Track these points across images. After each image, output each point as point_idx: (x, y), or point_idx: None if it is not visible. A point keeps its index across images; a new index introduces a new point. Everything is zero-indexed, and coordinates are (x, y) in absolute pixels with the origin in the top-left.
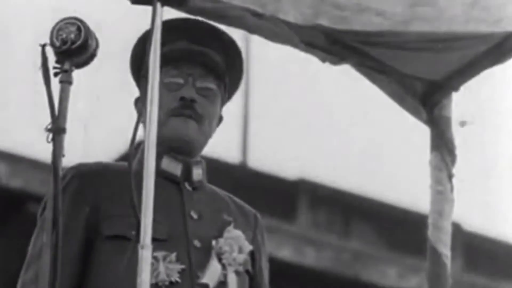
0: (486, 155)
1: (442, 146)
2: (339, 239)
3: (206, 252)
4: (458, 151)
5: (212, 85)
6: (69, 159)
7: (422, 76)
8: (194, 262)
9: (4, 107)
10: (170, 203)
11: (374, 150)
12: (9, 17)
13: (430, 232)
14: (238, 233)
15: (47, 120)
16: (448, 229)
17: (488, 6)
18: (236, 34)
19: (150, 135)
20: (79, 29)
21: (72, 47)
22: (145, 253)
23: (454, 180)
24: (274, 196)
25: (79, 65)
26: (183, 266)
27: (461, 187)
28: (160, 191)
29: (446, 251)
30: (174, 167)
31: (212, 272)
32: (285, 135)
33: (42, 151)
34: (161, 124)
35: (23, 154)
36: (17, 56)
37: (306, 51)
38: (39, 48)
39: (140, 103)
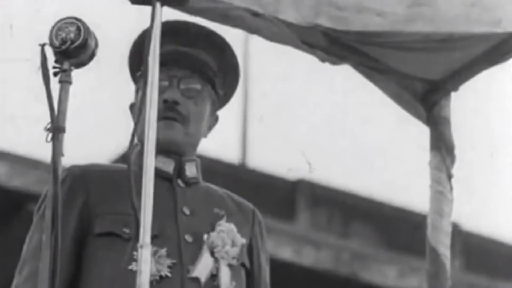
0: (486, 155)
1: (442, 146)
2: (338, 239)
3: (198, 247)
4: (457, 151)
5: (197, 86)
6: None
7: (421, 76)
8: (186, 256)
9: (4, 107)
10: (162, 200)
11: (373, 150)
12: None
13: (429, 232)
14: (230, 226)
15: (47, 119)
16: (448, 229)
17: (488, 6)
18: (236, 34)
19: (150, 135)
20: (78, 28)
21: (72, 47)
22: (145, 253)
23: (453, 180)
24: (274, 196)
25: (79, 65)
26: (173, 261)
27: (461, 187)
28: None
29: (445, 251)
30: (166, 165)
31: (203, 266)
32: (285, 135)
33: (42, 151)
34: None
35: (23, 154)
36: (17, 56)
37: (306, 51)
38: (39, 48)
39: (136, 108)
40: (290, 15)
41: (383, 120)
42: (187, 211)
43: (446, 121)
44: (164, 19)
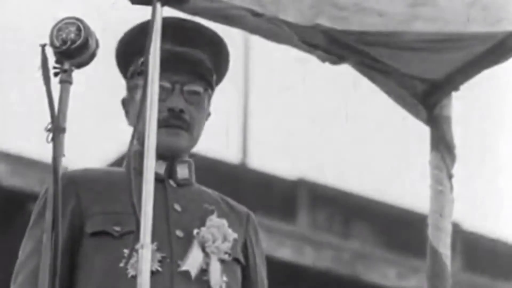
0: (486, 155)
1: (442, 146)
2: (338, 239)
3: (188, 242)
4: (458, 151)
5: (199, 88)
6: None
7: (422, 76)
8: (176, 251)
9: (4, 107)
10: (154, 198)
11: (374, 150)
12: (9, 17)
13: (430, 232)
14: (221, 221)
15: (47, 120)
16: (448, 229)
17: (488, 6)
18: (236, 34)
19: (150, 135)
20: (79, 29)
21: (72, 47)
22: (145, 253)
23: (453, 179)
24: (274, 196)
25: (79, 65)
26: (163, 255)
27: (461, 186)
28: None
29: (446, 251)
30: (158, 166)
31: (193, 260)
32: (285, 135)
33: (42, 151)
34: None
35: (23, 154)
36: (17, 56)
37: (306, 51)
38: (39, 48)
39: (126, 104)
40: (290, 15)
41: (384, 120)
42: (178, 208)
43: (446, 121)
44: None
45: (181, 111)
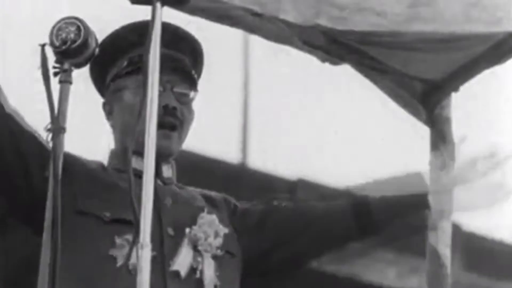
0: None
1: (442, 146)
2: None
3: (179, 240)
4: (457, 151)
5: (187, 91)
6: None
7: (422, 76)
8: (167, 250)
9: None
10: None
11: (373, 150)
12: (9, 17)
13: (429, 232)
14: (212, 217)
15: (47, 119)
16: (448, 229)
17: (488, 6)
18: (236, 34)
19: (150, 135)
20: (78, 28)
21: (72, 47)
22: (145, 252)
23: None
24: (274, 196)
25: (79, 65)
26: (154, 253)
27: (461, 186)
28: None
29: (445, 251)
30: (141, 165)
31: (182, 260)
32: (285, 135)
33: None
34: (141, 132)
35: None
36: (17, 56)
37: (306, 51)
38: (39, 48)
39: (108, 106)
40: (290, 15)
41: (384, 120)
42: (169, 202)
43: (446, 121)
44: (164, 19)
45: (175, 108)
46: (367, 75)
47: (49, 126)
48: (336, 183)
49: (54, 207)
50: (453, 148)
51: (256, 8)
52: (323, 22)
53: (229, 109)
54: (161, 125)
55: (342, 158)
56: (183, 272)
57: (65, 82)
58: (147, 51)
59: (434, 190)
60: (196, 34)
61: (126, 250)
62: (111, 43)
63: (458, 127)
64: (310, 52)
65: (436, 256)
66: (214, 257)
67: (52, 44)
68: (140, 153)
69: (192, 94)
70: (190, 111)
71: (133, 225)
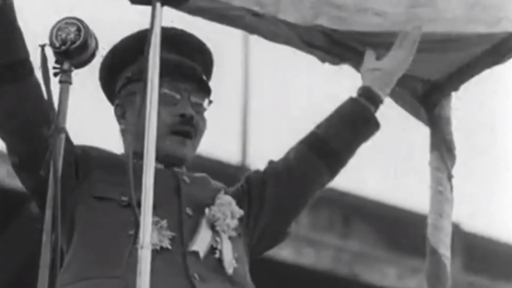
0: (486, 155)
1: (442, 146)
2: (338, 239)
3: (197, 220)
4: (458, 151)
5: (201, 100)
6: None
7: (422, 76)
8: (185, 230)
9: None
10: (163, 175)
11: (373, 149)
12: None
13: (429, 232)
14: (229, 198)
15: None
16: (448, 229)
17: (487, 6)
18: (236, 34)
19: (150, 135)
20: (78, 29)
21: (72, 47)
22: (145, 253)
23: (453, 180)
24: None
25: (79, 65)
26: (173, 234)
27: (461, 187)
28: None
29: (445, 251)
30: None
31: (201, 241)
32: (285, 135)
33: None
34: (157, 137)
35: None
36: None
37: (306, 51)
38: (39, 48)
39: (120, 109)
40: (290, 15)
41: (383, 119)
42: (187, 180)
43: (446, 121)
44: (164, 19)
45: (192, 117)
46: None
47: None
48: (336, 183)
49: (54, 207)
50: (453, 148)
51: (256, 9)
52: (323, 22)
53: (229, 110)
54: (177, 133)
55: None
56: (202, 253)
57: (65, 82)
58: (147, 51)
59: (434, 191)
60: (196, 34)
61: None
62: (123, 47)
63: (458, 126)
64: (310, 52)
65: (436, 256)
66: (230, 238)
67: (52, 44)
68: (161, 161)
69: (205, 103)
70: (203, 121)
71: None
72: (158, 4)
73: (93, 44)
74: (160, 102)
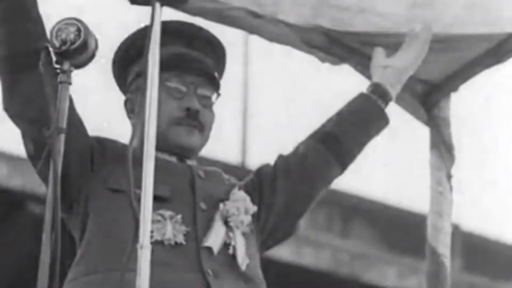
0: (486, 155)
1: (441, 146)
2: (338, 239)
3: (211, 215)
4: (457, 152)
5: (209, 93)
6: None
7: (421, 76)
8: (199, 225)
9: None
10: (177, 166)
11: (373, 149)
12: None
13: (429, 232)
14: (243, 194)
15: None
16: (448, 229)
17: (487, 6)
18: (236, 34)
19: (149, 135)
20: (78, 29)
21: (72, 48)
22: (144, 253)
23: (453, 180)
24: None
25: (79, 66)
26: (188, 229)
27: (461, 187)
28: (164, 163)
29: (445, 251)
30: (168, 157)
31: (215, 236)
32: (285, 135)
33: None
34: (163, 130)
35: (23, 154)
36: None
37: (306, 51)
38: None
39: (130, 103)
40: (290, 16)
41: None
42: (202, 174)
43: (445, 121)
44: (163, 19)
45: (197, 111)
46: (367, 75)
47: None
48: (335, 183)
49: (54, 207)
50: (452, 148)
51: (256, 9)
52: (323, 23)
53: (229, 109)
54: (183, 125)
55: None
56: (215, 248)
57: (65, 82)
58: (146, 51)
59: (434, 191)
60: None
61: (161, 224)
62: (132, 42)
63: (457, 126)
64: (310, 52)
65: (436, 256)
66: (243, 234)
67: (51, 44)
68: (171, 153)
69: (214, 96)
70: (211, 114)
71: (164, 200)
72: (157, 4)
73: (92, 45)
74: (167, 95)
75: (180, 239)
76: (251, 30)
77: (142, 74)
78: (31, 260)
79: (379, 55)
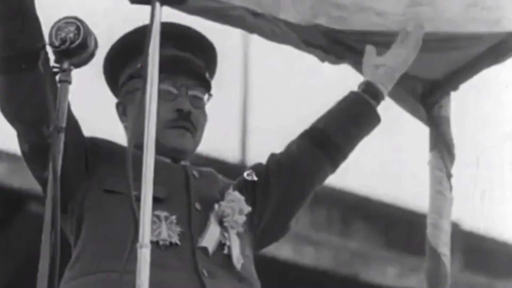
0: (486, 155)
1: (441, 145)
2: (338, 239)
3: (206, 216)
4: (458, 151)
5: (201, 94)
6: None
7: (421, 76)
8: (194, 225)
9: None
10: (171, 168)
11: (373, 149)
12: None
13: (429, 231)
14: (238, 195)
15: None
16: (447, 228)
17: (487, 6)
18: (236, 34)
19: (149, 134)
20: (78, 28)
21: (71, 47)
22: (144, 253)
23: (453, 179)
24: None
25: (78, 65)
26: (182, 230)
27: (461, 186)
28: (159, 163)
29: (445, 250)
30: (163, 159)
31: (210, 236)
32: (285, 134)
33: None
34: (156, 133)
35: None
36: None
37: (306, 50)
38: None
39: (122, 106)
40: (290, 15)
41: (383, 119)
42: (196, 174)
43: (445, 121)
44: (163, 18)
45: (189, 113)
46: None
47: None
48: (335, 182)
49: (54, 207)
50: (452, 147)
51: (256, 8)
52: (323, 22)
53: (229, 108)
54: (176, 128)
55: None
56: (210, 249)
57: (64, 81)
58: (146, 50)
59: (434, 190)
60: None
61: (156, 225)
62: (124, 43)
63: (457, 126)
64: (310, 52)
65: (436, 255)
66: (238, 234)
67: (51, 43)
68: (166, 156)
69: (206, 97)
70: (204, 115)
71: (159, 201)
72: (157, 4)
73: (92, 44)
74: (158, 98)
75: (175, 239)
76: (251, 29)
77: (134, 76)
78: (31, 260)
79: (370, 53)
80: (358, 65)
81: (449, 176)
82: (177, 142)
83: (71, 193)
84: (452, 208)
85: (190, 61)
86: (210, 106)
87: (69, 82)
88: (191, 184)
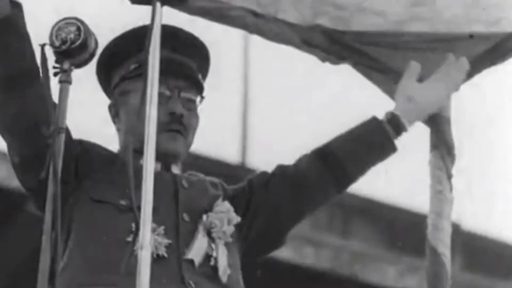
0: (486, 155)
1: (442, 145)
2: (338, 239)
3: (194, 227)
4: (457, 151)
5: (193, 96)
6: None
7: (421, 75)
8: (181, 237)
9: None
10: (160, 178)
11: None
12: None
13: (429, 232)
14: (227, 206)
15: None
16: (448, 229)
17: (487, 6)
18: (236, 34)
19: (149, 134)
20: (78, 29)
21: (72, 47)
22: (144, 254)
23: (453, 179)
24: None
25: (79, 65)
26: (169, 241)
27: (461, 186)
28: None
29: (445, 251)
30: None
31: (197, 249)
32: (285, 135)
33: None
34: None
35: None
36: None
37: (306, 51)
38: (39, 48)
39: (114, 108)
40: (290, 15)
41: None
42: (185, 184)
43: (446, 121)
44: (164, 19)
45: (181, 115)
46: (366, 74)
47: None
48: None
49: (54, 207)
50: (452, 147)
51: (256, 8)
52: (323, 22)
53: (229, 109)
54: (168, 131)
55: None
56: (197, 261)
57: (65, 82)
58: (147, 50)
59: (434, 190)
60: (196, 34)
61: None
62: (118, 45)
63: (457, 126)
64: (310, 52)
65: (436, 256)
66: (226, 245)
67: (52, 44)
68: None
69: (198, 99)
70: (196, 117)
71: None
72: (158, 4)
73: (92, 44)
74: None
75: (162, 251)
76: (251, 29)
77: (127, 77)
78: (31, 260)
79: (412, 74)
80: (358, 65)
81: (449, 176)
82: (170, 145)
83: (62, 198)
84: (453, 208)
85: (183, 63)
86: (210, 107)
87: (70, 83)
88: (180, 195)
